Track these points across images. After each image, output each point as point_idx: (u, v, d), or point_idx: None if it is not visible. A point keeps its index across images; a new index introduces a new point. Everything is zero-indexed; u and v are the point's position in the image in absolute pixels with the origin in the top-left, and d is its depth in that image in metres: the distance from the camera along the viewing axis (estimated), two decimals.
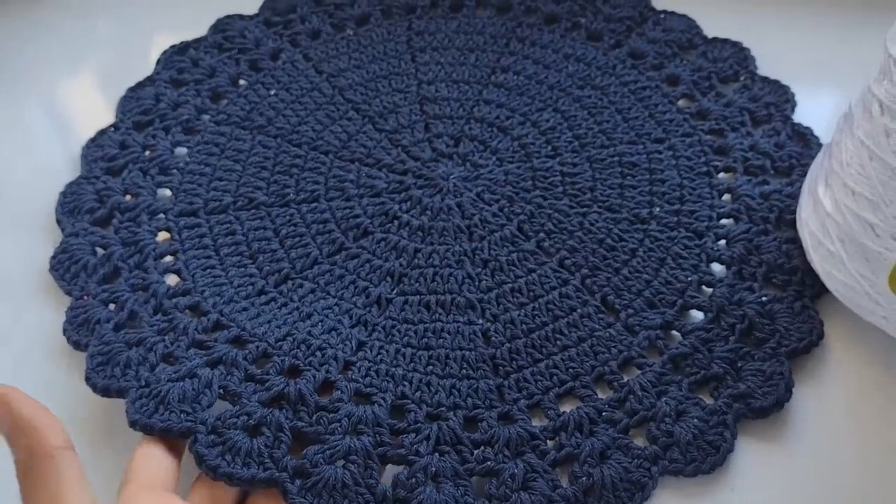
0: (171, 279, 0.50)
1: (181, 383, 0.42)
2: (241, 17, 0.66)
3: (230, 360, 0.44)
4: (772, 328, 0.46)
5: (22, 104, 0.62)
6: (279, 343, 0.45)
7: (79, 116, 0.62)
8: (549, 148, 0.56)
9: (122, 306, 0.47)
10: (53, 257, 0.50)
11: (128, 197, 0.54)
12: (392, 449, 0.41)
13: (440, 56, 0.63)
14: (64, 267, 0.50)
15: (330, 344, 0.45)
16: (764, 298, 0.47)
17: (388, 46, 0.64)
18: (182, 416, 0.41)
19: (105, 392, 0.43)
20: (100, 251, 0.51)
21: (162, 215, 0.53)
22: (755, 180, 0.53)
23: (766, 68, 0.60)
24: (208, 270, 0.50)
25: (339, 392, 0.43)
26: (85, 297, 0.48)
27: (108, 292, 0.48)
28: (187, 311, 0.48)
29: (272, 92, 0.61)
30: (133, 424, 0.41)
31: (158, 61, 0.62)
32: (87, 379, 0.44)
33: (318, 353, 0.45)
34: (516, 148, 0.56)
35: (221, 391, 0.43)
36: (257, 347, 0.45)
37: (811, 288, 0.47)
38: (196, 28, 0.65)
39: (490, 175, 0.55)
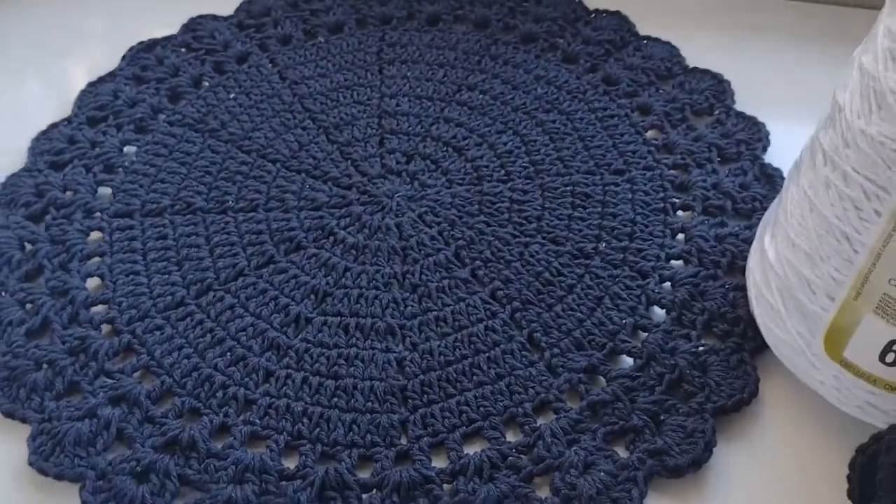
0: (95, 283, 0.49)
1: (80, 424, 0.41)
2: (214, 17, 0.65)
3: (132, 398, 0.43)
4: (702, 381, 0.43)
5: None
6: (184, 380, 0.44)
7: (41, 108, 0.61)
8: (503, 172, 0.54)
9: (37, 310, 0.47)
10: None
11: (67, 193, 0.53)
12: (274, 498, 0.39)
13: (408, 70, 0.61)
14: None
15: (234, 380, 0.44)
16: (700, 349, 0.44)
17: (357, 56, 0.62)
18: (75, 460, 0.40)
19: (8, 414, 0.43)
20: (28, 247, 0.50)
21: (98, 214, 0.52)
22: (712, 221, 0.50)
23: (745, 103, 0.57)
24: (131, 277, 0.49)
25: (233, 438, 0.41)
26: (1, 294, 0.47)
27: (26, 292, 0.47)
28: (102, 325, 0.47)
29: (232, 96, 0.59)
30: (31, 464, 0.41)
31: (124, 57, 0.62)
32: None
33: (220, 393, 0.43)
34: (468, 170, 0.54)
35: (117, 433, 0.42)
36: (162, 384, 0.44)
37: (753, 341, 0.44)
38: (175, 27, 0.64)
39: (436, 196, 0.53)
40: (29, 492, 0.41)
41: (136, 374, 0.45)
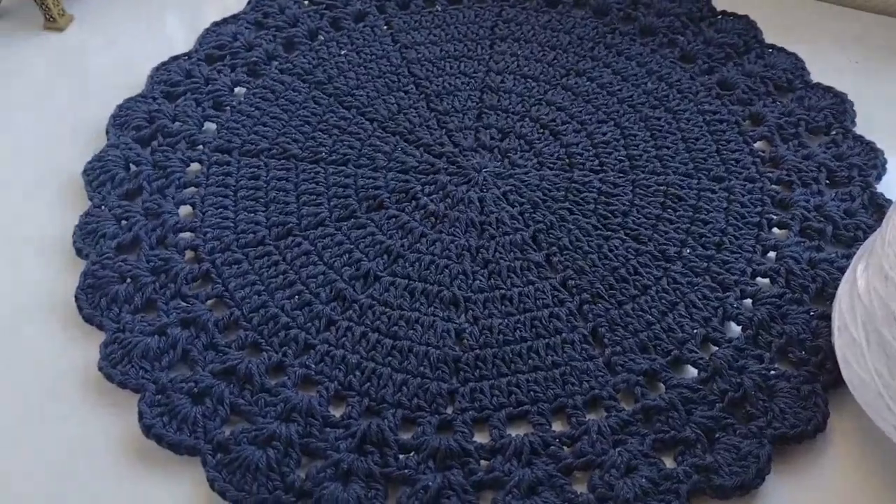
0: (186, 210, 0.51)
1: (149, 339, 0.43)
2: None
3: (201, 323, 0.44)
4: (767, 406, 0.40)
5: (127, 17, 0.65)
6: (251, 315, 0.45)
7: (175, 39, 0.64)
8: (596, 162, 0.53)
9: (130, 227, 0.49)
10: (90, 163, 0.52)
11: (175, 123, 0.55)
12: (315, 441, 0.40)
13: (518, 48, 0.60)
14: (94, 174, 0.52)
15: (297, 324, 0.45)
16: (771, 372, 0.42)
17: (470, 28, 0.62)
18: (140, 372, 0.42)
19: (87, 319, 0.45)
20: (132, 167, 0.53)
21: (200, 147, 0.54)
22: (808, 244, 0.48)
23: (865, 127, 0.54)
24: (220, 210, 0.50)
25: (286, 378, 0.43)
26: (101, 208, 0.50)
27: (124, 209, 0.50)
28: (186, 251, 0.48)
29: (343, 52, 0.60)
30: (100, 369, 0.43)
31: (249, 2, 0.64)
32: (76, 298, 0.46)
33: (282, 333, 0.44)
34: (561, 155, 0.53)
35: (183, 353, 0.44)
36: (231, 315, 0.45)
37: (829, 374, 0.42)
38: None
39: (524, 176, 0.52)
40: (92, 395, 0.43)
41: (209, 302, 0.46)
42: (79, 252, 0.49)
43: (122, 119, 0.55)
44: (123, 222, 0.50)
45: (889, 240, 0.37)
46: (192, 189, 0.52)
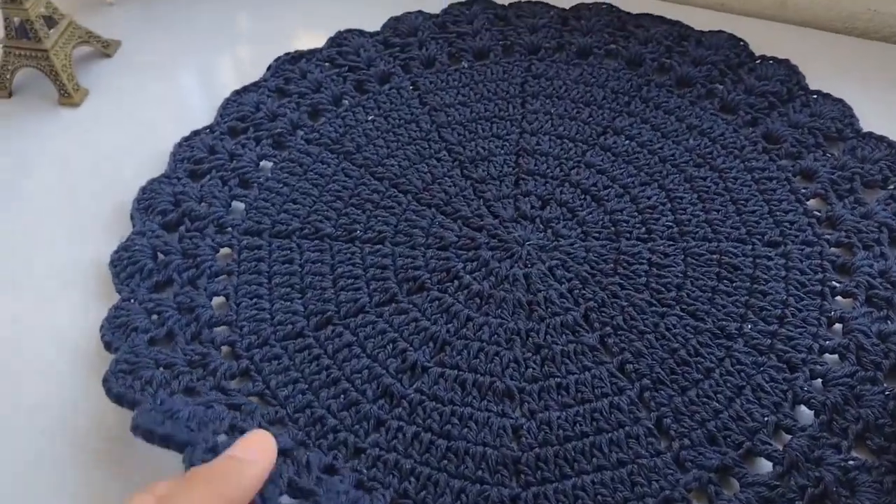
0: (219, 301, 0.49)
1: (194, 407, 0.40)
2: (361, 32, 0.64)
3: (248, 409, 0.42)
4: (849, 502, 0.38)
5: (139, 89, 0.63)
6: (297, 415, 0.43)
7: (191, 109, 0.62)
8: (643, 230, 0.50)
9: (162, 322, 0.47)
10: (116, 252, 0.50)
11: (202, 205, 0.53)
12: None
13: (552, 105, 0.58)
14: (122, 265, 0.50)
15: (345, 426, 0.42)
16: (850, 462, 0.40)
17: (500, 86, 0.60)
18: (185, 429, 0.38)
19: (118, 399, 0.42)
20: (160, 256, 0.50)
21: (230, 230, 0.52)
22: (877, 314, 0.45)
23: None
24: (254, 301, 0.48)
25: (340, 480, 0.40)
26: (131, 301, 0.48)
27: (155, 303, 0.48)
28: (222, 347, 0.46)
29: (370, 118, 0.58)
30: (135, 429, 0.37)
31: (269, 68, 0.62)
32: (105, 381, 0.43)
33: (331, 436, 0.42)
34: (606, 223, 0.51)
35: (230, 428, 0.41)
36: (276, 413, 0.43)
37: None
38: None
39: (570, 248, 0.50)
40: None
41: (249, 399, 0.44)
42: (108, 346, 0.46)
43: (146, 202, 0.53)
44: (155, 317, 0.48)
45: None
46: (224, 277, 0.50)
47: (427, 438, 0.42)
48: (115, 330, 0.47)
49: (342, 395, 0.44)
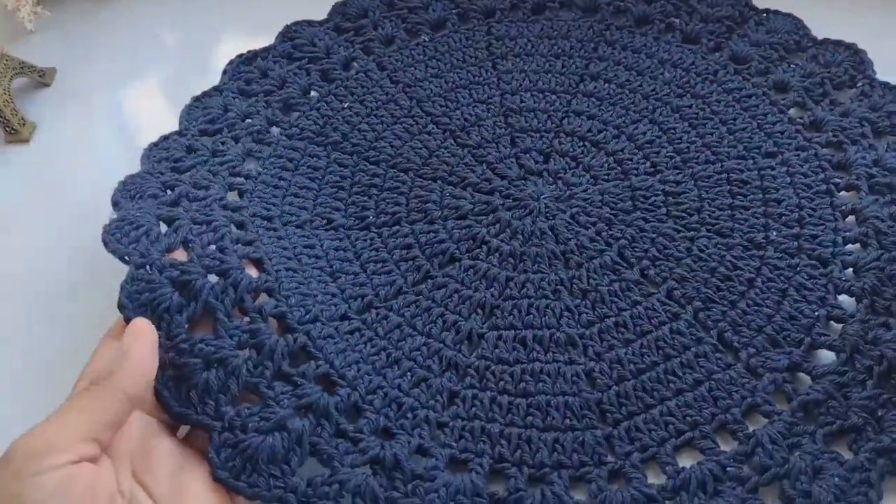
0: (251, 271, 0.44)
1: (270, 438, 0.37)
2: (309, 23, 0.62)
3: (321, 408, 0.39)
4: None
5: (85, 115, 0.59)
6: (370, 397, 0.41)
7: (142, 125, 0.59)
8: (648, 164, 0.52)
9: (194, 294, 0.40)
10: (108, 224, 0.43)
11: (198, 190, 0.48)
12: None
13: (523, 63, 0.58)
14: (122, 231, 0.42)
15: (421, 402, 0.41)
16: None
17: (466, 53, 0.59)
18: (271, 481, 0.37)
19: (179, 418, 0.38)
20: (164, 227, 0.44)
21: (235, 212, 0.48)
22: (882, 200, 0.48)
23: (885, 73, 0.55)
24: (291, 273, 0.45)
25: (435, 459, 0.39)
26: (147, 268, 0.41)
27: (177, 269, 0.41)
28: (271, 318, 0.42)
29: (346, 105, 0.57)
30: (219, 481, 0.37)
31: (225, 71, 0.59)
32: (158, 394, 0.38)
33: (410, 415, 0.41)
34: (612, 164, 0.52)
35: (312, 447, 0.39)
36: (348, 396, 0.41)
37: None
38: (266, 35, 0.61)
39: (584, 195, 0.50)
40: None
41: (315, 382, 0.41)
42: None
43: (131, 191, 0.47)
44: (183, 290, 0.40)
45: None
46: (248, 247, 0.45)
47: (506, 401, 0.42)
48: (139, 309, 0.39)
49: (409, 373, 0.43)
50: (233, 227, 0.47)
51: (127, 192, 0.47)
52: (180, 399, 0.38)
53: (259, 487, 0.37)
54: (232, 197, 0.51)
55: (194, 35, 0.65)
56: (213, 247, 0.43)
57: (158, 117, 0.57)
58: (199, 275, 0.41)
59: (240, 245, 0.45)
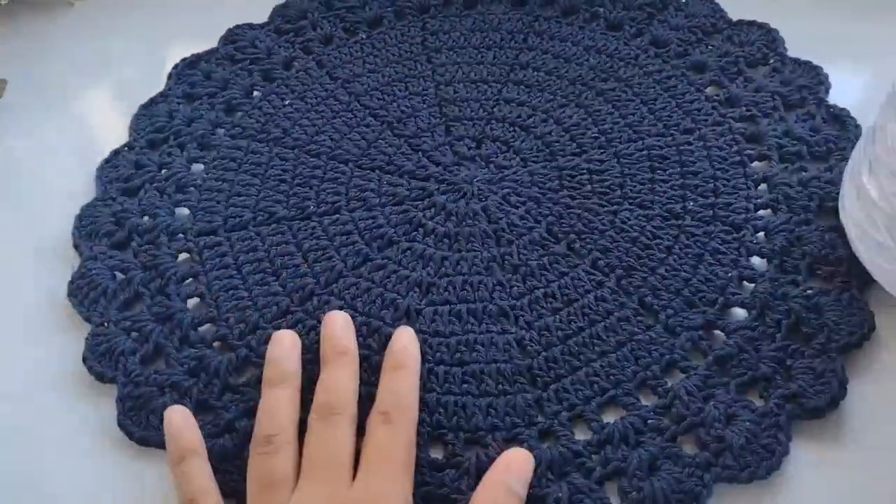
0: (195, 302, 0.49)
1: (220, 440, 0.42)
2: (251, 26, 0.65)
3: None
4: (820, 322, 0.44)
5: (37, 127, 0.61)
6: (313, 386, 0.44)
7: (95, 136, 0.61)
8: (575, 145, 0.54)
9: (146, 338, 0.47)
10: (71, 282, 0.49)
11: (146, 218, 0.53)
12: (434, 489, 0.40)
13: (457, 56, 0.61)
14: (83, 293, 0.49)
15: (362, 381, 0.44)
16: (809, 292, 0.45)
17: (402, 48, 0.62)
18: (226, 476, 0.41)
19: (143, 441, 0.43)
20: (119, 275, 0.50)
21: (181, 235, 0.52)
22: (792, 167, 0.51)
23: (796, 49, 0.58)
24: (231, 292, 0.49)
25: None
26: (105, 324, 0.47)
27: (130, 321, 0.47)
28: (214, 344, 0.47)
29: (287, 102, 0.59)
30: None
31: (170, 76, 0.61)
32: (121, 425, 0.44)
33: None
34: (540, 147, 0.55)
35: None
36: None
37: (858, 278, 0.45)
38: (210, 40, 0.64)
39: (515, 176, 0.53)
40: None
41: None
42: (100, 377, 0.46)
43: (87, 229, 0.52)
44: (135, 334, 0.47)
45: (892, 145, 0.41)
46: (191, 280, 0.50)
47: (442, 371, 0.44)
48: (100, 358, 0.46)
49: None
50: (179, 257, 0.51)
51: (84, 228, 0.52)
52: (141, 425, 0.43)
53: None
54: (179, 212, 0.53)
55: (145, 42, 0.66)
56: (159, 297, 0.49)
57: (113, 127, 0.59)
58: (148, 322, 0.47)
59: (184, 284, 0.50)
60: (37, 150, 0.60)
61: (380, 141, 0.56)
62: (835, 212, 0.48)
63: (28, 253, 0.53)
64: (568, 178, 0.53)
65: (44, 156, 0.59)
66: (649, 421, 0.41)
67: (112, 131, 0.59)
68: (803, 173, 0.51)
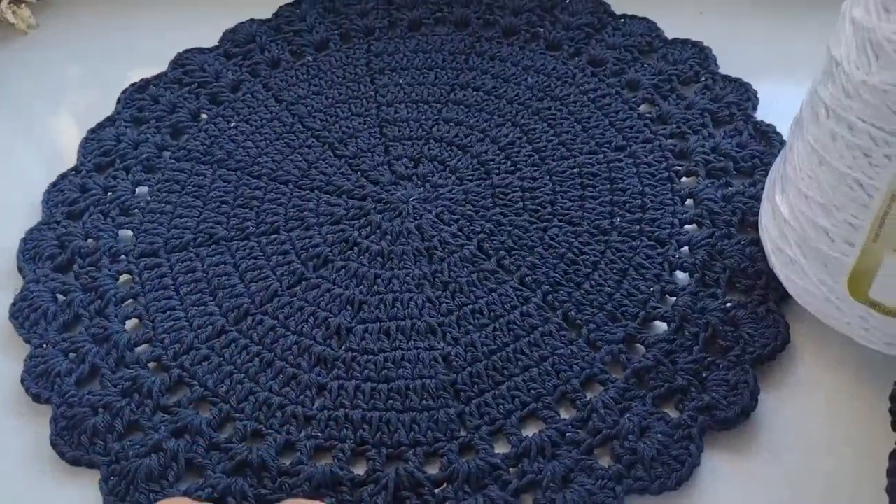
0: (133, 323, 0.50)
1: (148, 459, 0.43)
2: (200, 50, 0.66)
3: (194, 428, 0.44)
4: (736, 335, 0.45)
5: None
6: (241, 405, 0.45)
7: (48, 160, 0.62)
8: (509, 163, 0.56)
9: (82, 359, 0.48)
10: (13, 304, 0.50)
11: (89, 241, 0.54)
12: None
13: (399, 77, 0.62)
14: (23, 315, 0.50)
15: (290, 399, 0.45)
16: (728, 305, 0.46)
17: (347, 70, 0.63)
18: (150, 496, 0.42)
19: (74, 462, 0.44)
20: (60, 298, 0.51)
21: (123, 257, 0.53)
22: (717, 183, 0.52)
23: (727, 67, 0.59)
24: (168, 313, 0.50)
25: (300, 453, 0.43)
26: (44, 346, 0.48)
27: (69, 342, 0.48)
28: (149, 364, 0.48)
29: (232, 124, 0.60)
30: None
31: (119, 100, 0.63)
32: (54, 445, 0.45)
33: (279, 413, 0.44)
34: (476, 165, 0.56)
35: (187, 463, 0.43)
36: (220, 411, 0.45)
37: (776, 291, 0.46)
38: (165, 64, 0.65)
39: (449, 195, 0.54)
40: None
41: (191, 406, 0.46)
42: (36, 398, 0.47)
43: (30, 252, 0.53)
44: (72, 355, 0.48)
45: (798, 165, 0.42)
46: (131, 301, 0.51)
47: (369, 388, 0.45)
48: (37, 379, 0.47)
49: (280, 374, 0.46)
50: (120, 279, 0.52)
51: (28, 251, 0.53)
52: (73, 445, 0.44)
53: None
54: (123, 234, 0.55)
55: (100, 68, 0.68)
56: (98, 318, 0.50)
57: (66, 151, 0.60)
58: (85, 343, 0.48)
59: (122, 305, 0.51)
60: None
61: (320, 161, 0.57)
62: (756, 226, 0.49)
63: None
64: (501, 195, 0.54)
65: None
66: (567, 434, 0.42)
67: (65, 155, 0.60)
68: (728, 188, 0.52)
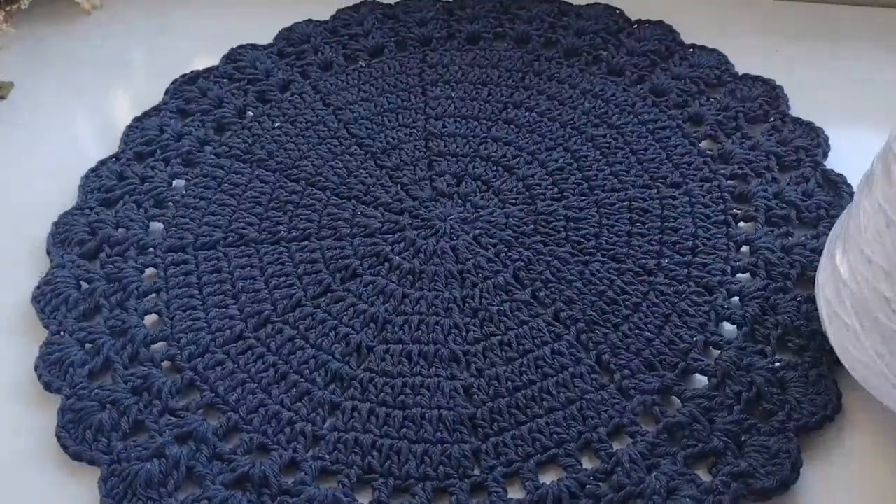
0: (152, 319, 0.49)
1: (149, 464, 0.41)
2: (254, 46, 0.65)
3: (200, 436, 0.42)
4: (782, 399, 0.41)
5: (36, 130, 0.62)
6: (250, 416, 0.43)
7: (95, 142, 0.61)
8: (556, 190, 0.53)
9: (97, 350, 0.46)
10: (37, 287, 0.49)
11: (119, 230, 0.53)
12: None
13: (452, 90, 0.60)
14: (46, 299, 0.49)
15: (301, 416, 0.43)
16: (776, 364, 0.43)
17: (399, 79, 0.62)
18: (149, 503, 0.40)
19: (76, 457, 0.43)
20: (84, 285, 0.50)
21: (151, 250, 0.52)
22: (777, 232, 0.49)
23: (799, 109, 0.56)
24: (188, 312, 0.48)
25: (304, 473, 0.41)
26: (60, 333, 0.47)
27: (86, 331, 0.47)
28: (163, 363, 0.46)
29: (276, 125, 0.59)
30: None
31: (167, 91, 0.62)
32: (58, 437, 0.43)
33: (288, 429, 0.43)
34: (520, 189, 0.53)
35: (188, 471, 0.41)
36: (228, 420, 0.43)
37: (830, 354, 0.43)
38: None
39: (490, 217, 0.52)
40: None
41: (200, 412, 0.44)
42: (48, 386, 0.46)
43: (61, 236, 0.53)
44: (88, 346, 0.47)
45: (864, 224, 0.38)
46: (153, 296, 0.50)
47: (383, 412, 0.43)
48: (51, 367, 0.46)
49: (294, 389, 0.44)
50: (145, 272, 0.51)
51: (59, 235, 0.52)
52: (77, 439, 0.43)
53: None
54: (154, 226, 0.53)
55: (157, 52, 0.67)
56: (118, 310, 0.49)
57: (111, 133, 0.60)
58: (102, 335, 0.47)
59: (144, 300, 0.49)
60: (30, 150, 0.60)
61: (361, 170, 0.55)
62: (815, 282, 0.45)
63: (8, 252, 0.53)
64: (543, 223, 0.51)
65: (36, 155, 0.60)
66: (587, 486, 0.39)
67: (113, 139, 0.60)
68: (788, 238, 0.48)
